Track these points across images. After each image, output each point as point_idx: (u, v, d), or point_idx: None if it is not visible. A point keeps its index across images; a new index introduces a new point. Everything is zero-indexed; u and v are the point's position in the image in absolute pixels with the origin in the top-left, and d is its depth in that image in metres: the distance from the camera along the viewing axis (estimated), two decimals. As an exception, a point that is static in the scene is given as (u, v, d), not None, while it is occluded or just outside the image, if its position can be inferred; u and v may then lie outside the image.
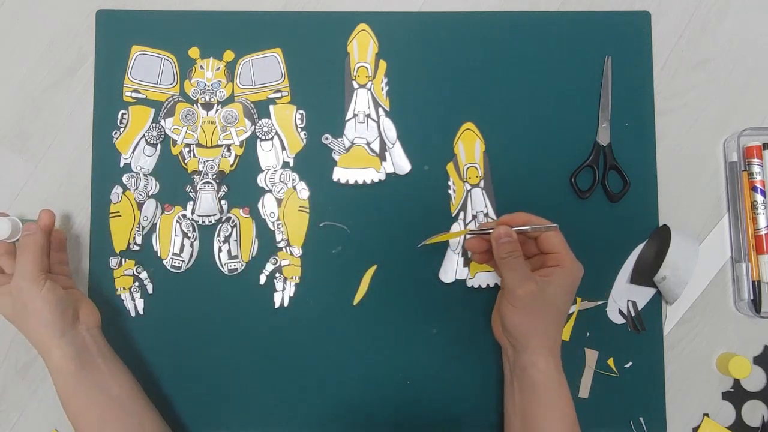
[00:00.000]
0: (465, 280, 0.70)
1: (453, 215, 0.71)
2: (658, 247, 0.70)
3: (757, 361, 0.71)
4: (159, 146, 0.72)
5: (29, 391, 0.72)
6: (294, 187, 0.72)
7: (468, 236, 0.65)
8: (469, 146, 0.72)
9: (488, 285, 0.70)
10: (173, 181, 0.72)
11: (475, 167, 0.71)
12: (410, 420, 0.70)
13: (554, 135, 0.72)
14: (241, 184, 0.72)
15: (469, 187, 0.71)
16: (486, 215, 0.71)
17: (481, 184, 0.71)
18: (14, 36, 0.75)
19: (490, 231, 0.63)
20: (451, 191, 0.71)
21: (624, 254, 0.71)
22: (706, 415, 0.70)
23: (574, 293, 0.62)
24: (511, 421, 0.62)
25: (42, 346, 0.62)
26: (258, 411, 0.70)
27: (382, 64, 0.73)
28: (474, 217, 0.71)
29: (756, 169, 0.71)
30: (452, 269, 0.70)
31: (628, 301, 0.71)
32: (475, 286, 0.70)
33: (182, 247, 0.71)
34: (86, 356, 0.62)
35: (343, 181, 0.72)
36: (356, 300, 0.70)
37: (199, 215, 0.72)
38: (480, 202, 0.71)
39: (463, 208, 0.71)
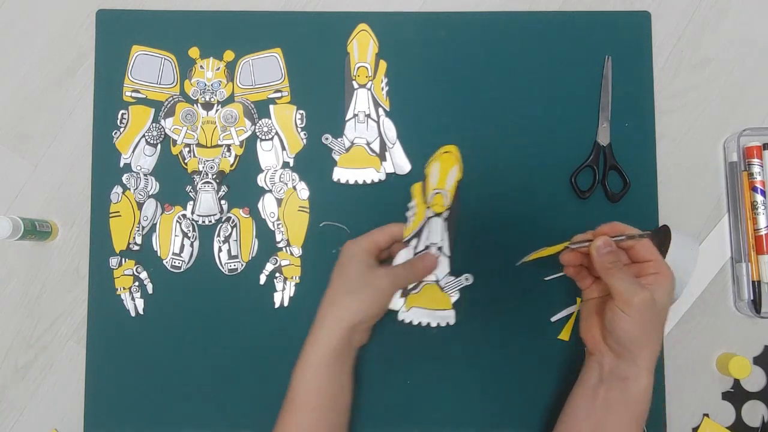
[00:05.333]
0: (398, 312, 0.68)
1: (404, 240, 0.66)
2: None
3: (757, 361, 0.71)
4: (159, 146, 0.72)
5: (29, 391, 0.72)
6: (294, 187, 0.72)
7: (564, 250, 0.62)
8: (444, 170, 0.67)
9: (420, 323, 0.68)
10: (173, 181, 0.72)
11: (443, 195, 0.66)
12: (411, 420, 0.70)
13: (554, 135, 0.72)
14: (241, 184, 0.72)
15: (430, 214, 0.67)
16: (440, 249, 0.66)
17: (445, 214, 0.67)
18: (14, 36, 0.75)
19: (587, 244, 0.60)
20: (410, 213, 0.67)
21: (624, 254, 0.71)
22: (706, 415, 0.70)
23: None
24: (577, 427, 0.60)
25: (342, 310, 0.62)
26: (258, 410, 0.70)
27: (382, 64, 0.73)
28: (426, 248, 0.66)
29: (756, 169, 0.71)
30: None
31: (628, 301, 0.70)
32: (407, 321, 0.68)
33: (182, 247, 0.71)
34: (348, 353, 0.62)
35: (343, 181, 0.72)
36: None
37: (199, 215, 0.72)
38: (437, 234, 0.66)
39: (418, 235, 0.66)
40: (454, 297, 0.69)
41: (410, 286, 0.67)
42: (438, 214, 0.67)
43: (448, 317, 0.68)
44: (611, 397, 0.58)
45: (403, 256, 0.66)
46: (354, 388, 0.64)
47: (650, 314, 0.57)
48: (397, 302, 0.67)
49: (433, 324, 0.68)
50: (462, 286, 0.69)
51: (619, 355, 0.59)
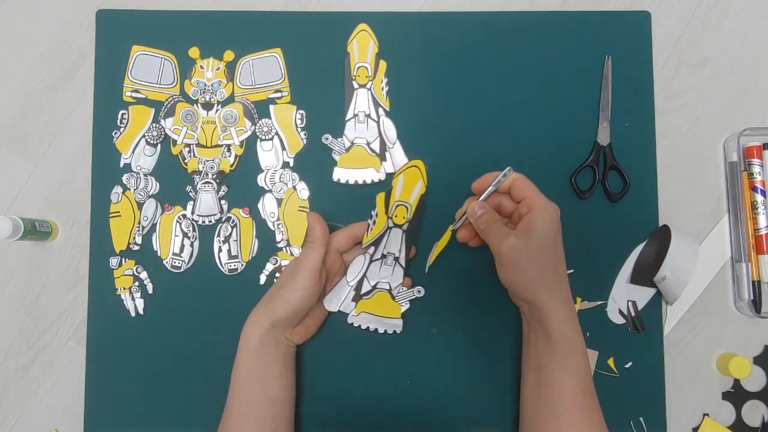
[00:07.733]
0: (348, 315, 0.69)
1: (363, 246, 0.68)
2: (658, 247, 0.70)
3: (757, 361, 0.71)
4: (159, 146, 0.72)
5: (29, 391, 0.72)
6: (294, 187, 0.72)
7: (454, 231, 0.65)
8: (409, 185, 0.68)
9: (368, 328, 0.69)
10: (173, 181, 0.72)
11: (406, 207, 0.68)
12: (411, 419, 0.70)
13: (554, 135, 0.72)
14: (241, 184, 0.72)
15: (391, 225, 0.68)
16: (396, 259, 0.68)
17: (405, 227, 0.68)
18: (14, 36, 0.75)
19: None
20: (371, 221, 0.68)
21: (624, 254, 0.71)
22: (706, 415, 0.71)
23: (560, 233, 0.60)
24: (527, 376, 0.63)
25: (258, 313, 0.64)
26: (258, 411, 0.70)
27: (382, 64, 0.73)
28: (383, 256, 0.68)
29: (756, 169, 0.71)
30: (338, 299, 0.68)
31: (628, 301, 0.71)
32: (355, 325, 0.69)
33: (182, 247, 0.71)
34: (270, 350, 0.64)
35: (343, 181, 0.72)
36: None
37: (199, 215, 0.72)
38: (395, 245, 0.68)
39: (376, 243, 0.68)
40: (404, 307, 0.69)
41: (363, 291, 0.68)
42: (398, 226, 0.68)
43: (396, 326, 0.69)
44: (538, 340, 0.61)
45: (359, 261, 0.68)
46: (291, 381, 0.65)
47: (524, 257, 0.58)
48: (348, 305, 0.68)
49: (381, 330, 0.69)
50: (413, 297, 0.69)
51: (522, 302, 0.61)
